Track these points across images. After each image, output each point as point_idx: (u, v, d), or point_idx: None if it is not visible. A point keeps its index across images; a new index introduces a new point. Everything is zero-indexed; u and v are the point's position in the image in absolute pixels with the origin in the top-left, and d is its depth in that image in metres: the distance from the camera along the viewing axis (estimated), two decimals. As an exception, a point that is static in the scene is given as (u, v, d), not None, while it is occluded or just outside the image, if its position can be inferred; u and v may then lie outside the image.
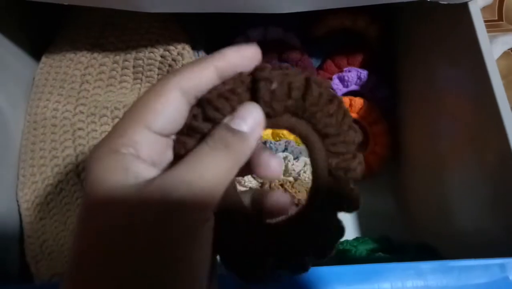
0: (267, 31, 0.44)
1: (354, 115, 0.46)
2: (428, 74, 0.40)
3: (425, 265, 0.24)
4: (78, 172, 0.37)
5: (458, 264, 0.24)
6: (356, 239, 0.42)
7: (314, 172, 0.19)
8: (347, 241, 0.42)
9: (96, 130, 0.39)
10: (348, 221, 0.45)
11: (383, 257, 0.35)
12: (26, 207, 0.37)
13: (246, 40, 0.44)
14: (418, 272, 0.24)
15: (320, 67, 0.48)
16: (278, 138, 0.40)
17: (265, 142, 0.39)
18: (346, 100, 0.45)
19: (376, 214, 0.45)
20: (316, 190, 0.19)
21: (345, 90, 0.47)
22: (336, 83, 0.46)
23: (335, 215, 0.19)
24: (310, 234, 0.19)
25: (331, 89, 0.19)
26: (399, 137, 0.46)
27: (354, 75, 0.45)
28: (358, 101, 0.45)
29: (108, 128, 0.39)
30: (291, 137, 0.40)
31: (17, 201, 0.38)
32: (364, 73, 0.45)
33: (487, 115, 0.31)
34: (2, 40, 0.38)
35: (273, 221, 0.20)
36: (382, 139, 0.45)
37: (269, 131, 0.41)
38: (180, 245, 0.16)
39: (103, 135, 0.39)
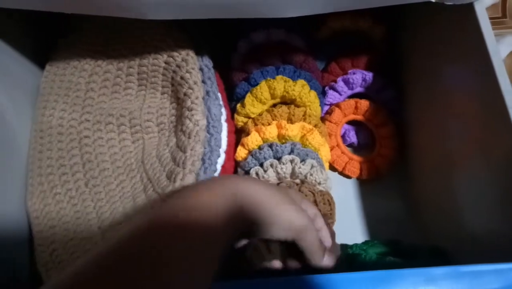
0: (270, 33, 0.44)
1: (360, 117, 0.46)
2: (434, 74, 0.40)
3: (437, 271, 0.24)
4: (86, 181, 0.37)
5: (470, 269, 0.24)
6: (365, 243, 0.42)
7: None
8: (356, 245, 0.41)
9: (102, 138, 0.39)
10: (356, 224, 0.45)
11: (393, 261, 0.35)
12: (35, 216, 0.37)
13: (250, 43, 0.44)
14: (429, 278, 0.24)
15: (324, 70, 0.48)
16: (284, 141, 0.40)
17: (271, 145, 0.39)
18: (352, 102, 0.45)
19: (385, 217, 0.44)
20: None
21: (350, 92, 0.46)
22: (341, 86, 0.46)
23: None
24: None
25: None
26: (406, 139, 0.46)
27: (359, 77, 0.45)
28: (364, 104, 0.45)
29: (114, 135, 0.39)
30: (297, 139, 0.40)
31: (26, 210, 0.38)
32: (369, 75, 0.45)
33: (495, 114, 0.30)
34: (6, 48, 0.38)
35: None
36: (389, 142, 0.45)
37: (275, 133, 0.40)
38: None
39: (109, 142, 0.39)
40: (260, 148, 0.39)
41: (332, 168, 0.46)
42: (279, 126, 0.40)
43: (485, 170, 0.33)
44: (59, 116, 0.39)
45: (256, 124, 0.41)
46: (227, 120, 0.41)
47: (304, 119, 0.41)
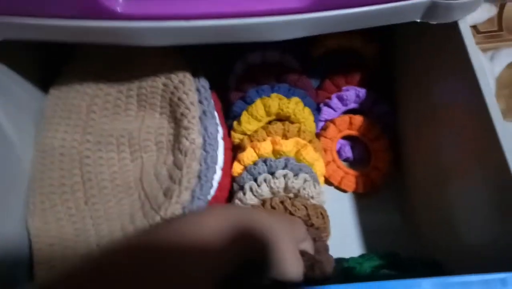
0: (265, 54, 0.45)
1: (354, 132, 0.47)
2: (426, 89, 0.41)
3: (426, 282, 0.24)
4: (86, 199, 0.38)
5: (458, 279, 0.24)
6: (361, 256, 0.42)
7: None
8: (352, 258, 0.42)
9: (102, 158, 0.40)
10: (353, 237, 0.45)
11: (387, 274, 0.35)
12: (36, 234, 0.38)
13: (245, 64, 0.46)
14: (418, 289, 0.24)
15: (319, 87, 0.49)
16: (279, 156, 0.41)
17: (265, 160, 0.40)
18: (346, 118, 0.46)
19: (381, 230, 0.45)
20: None
21: (344, 108, 0.48)
22: (335, 102, 0.47)
23: None
24: None
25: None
26: (400, 152, 0.47)
27: (353, 93, 0.46)
28: (358, 119, 0.46)
29: (114, 155, 0.40)
30: (291, 154, 0.41)
31: (27, 229, 0.39)
32: (362, 92, 0.46)
33: (484, 127, 0.31)
34: (11, 73, 0.40)
35: None
36: (384, 155, 0.46)
37: (269, 149, 0.41)
38: None
39: (109, 162, 0.40)
40: (255, 164, 0.40)
41: (328, 182, 0.46)
42: (273, 142, 0.41)
43: (480, 182, 0.34)
44: (61, 138, 0.40)
45: (251, 141, 0.42)
46: (223, 138, 0.42)
47: (299, 135, 0.42)
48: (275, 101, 0.41)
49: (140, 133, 0.40)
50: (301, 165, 0.39)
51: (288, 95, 0.43)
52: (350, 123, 0.46)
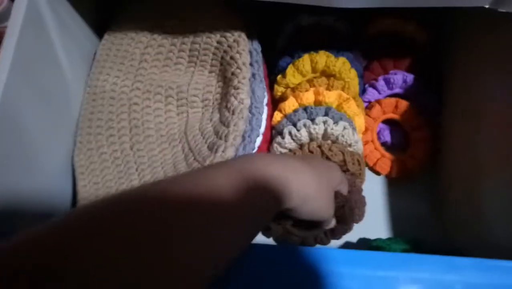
0: (319, 18, 0.44)
1: (397, 117, 0.46)
2: (475, 83, 0.40)
3: (466, 261, 0.25)
4: (132, 144, 0.40)
5: (499, 264, 0.25)
6: (388, 239, 0.43)
7: None
8: (380, 239, 0.42)
9: (149, 107, 0.41)
10: (381, 221, 0.45)
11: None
12: (81, 171, 0.39)
13: (297, 26, 0.45)
14: (453, 266, 0.25)
15: (366, 68, 0.49)
16: (320, 105, 0.41)
17: (306, 108, 0.40)
18: (392, 101, 0.46)
19: (410, 217, 0.45)
20: None
21: (389, 92, 0.47)
22: (381, 85, 0.46)
23: None
24: None
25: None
26: (439, 143, 0.46)
27: (400, 78, 0.46)
28: (404, 104, 0.45)
29: (161, 105, 0.41)
30: (334, 105, 0.41)
31: (72, 166, 0.40)
32: (410, 77, 0.46)
33: None
34: (71, 11, 0.41)
35: None
36: (423, 146, 0.46)
37: (312, 99, 0.41)
38: None
39: (156, 112, 0.41)
40: (295, 111, 0.40)
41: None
42: (316, 93, 0.41)
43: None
44: (113, 82, 0.42)
45: (294, 92, 0.42)
46: (267, 104, 0.42)
47: (342, 91, 0.41)
48: (323, 58, 0.41)
49: (189, 88, 0.41)
50: (341, 114, 0.39)
51: (336, 56, 0.42)
52: (396, 107, 0.46)
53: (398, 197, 0.46)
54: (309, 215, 0.27)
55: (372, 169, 0.47)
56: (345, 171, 0.38)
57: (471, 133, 0.41)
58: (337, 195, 0.30)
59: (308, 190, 0.25)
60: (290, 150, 0.40)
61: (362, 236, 0.45)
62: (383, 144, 0.48)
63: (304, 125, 0.39)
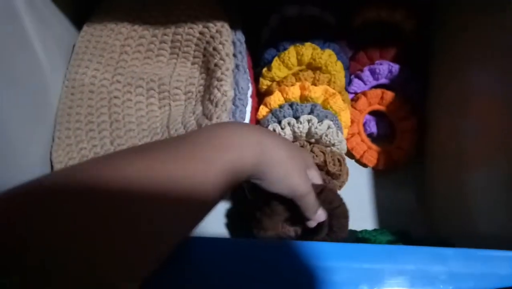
0: (304, 8, 0.44)
1: (383, 108, 0.46)
2: (461, 74, 0.40)
3: (451, 252, 0.25)
4: (112, 139, 0.39)
5: (483, 253, 0.24)
6: (374, 230, 0.42)
7: None
8: (366, 230, 0.42)
9: (131, 100, 0.40)
10: (367, 212, 0.45)
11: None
12: (59, 168, 0.38)
13: (282, 17, 0.44)
14: (439, 257, 0.24)
15: (352, 58, 0.48)
16: (306, 102, 0.40)
17: (291, 104, 0.39)
18: (378, 92, 0.45)
19: (396, 208, 0.45)
20: None
21: (375, 82, 0.47)
22: (366, 75, 0.46)
23: None
24: None
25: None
26: (425, 134, 0.46)
27: (386, 68, 0.46)
28: (390, 95, 0.45)
29: (143, 99, 0.40)
30: (319, 101, 0.40)
31: (51, 162, 0.39)
32: (395, 67, 0.45)
33: None
34: (49, 3, 0.39)
35: None
36: (409, 136, 0.45)
37: (297, 94, 0.41)
38: None
39: (137, 105, 0.40)
40: (280, 107, 0.40)
41: (349, 155, 0.46)
42: (302, 88, 0.40)
43: (498, 172, 0.34)
44: (92, 75, 0.40)
45: (279, 86, 0.41)
46: (252, 96, 0.41)
47: (329, 85, 0.41)
48: (309, 50, 0.40)
49: (171, 80, 0.40)
50: (327, 112, 0.39)
51: (322, 48, 0.42)
52: (382, 98, 0.45)
53: (384, 188, 0.46)
54: (280, 181, 0.27)
55: (359, 161, 0.46)
56: (325, 171, 0.38)
57: (456, 123, 0.40)
58: (313, 184, 0.30)
59: (280, 153, 0.26)
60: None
61: (348, 227, 0.44)
62: (369, 135, 0.48)
63: (289, 123, 0.38)
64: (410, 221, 0.44)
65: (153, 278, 0.20)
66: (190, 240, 0.24)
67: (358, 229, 0.44)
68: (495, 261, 0.24)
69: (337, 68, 0.41)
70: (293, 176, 0.28)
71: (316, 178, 0.32)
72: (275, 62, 0.41)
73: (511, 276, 0.24)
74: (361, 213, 0.45)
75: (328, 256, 0.25)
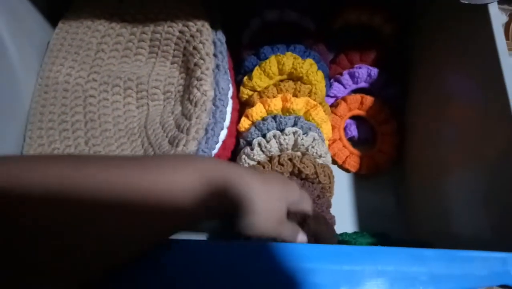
0: (284, 13, 0.43)
1: (363, 113, 0.46)
2: (439, 79, 0.41)
3: (430, 252, 0.24)
4: (87, 139, 0.37)
5: (462, 254, 0.24)
6: (354, 233, 0.42)
7: None
8: (346, 233, 0.42)
9: (107, 99, 0.39)
10: (347, 215, 0.45)
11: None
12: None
13: (262, 21, 0.44)
14: (418, 258, 0.24)
15: (333, 61, 0.48)
16: (288, 114, 0.40)
17: (275, 117, 0.39)
18: (358, 97, 0.45)
19: (376, 211, 0.45)
20: None
21: (354, 86, 0.47)
22: (346, 79, 0.46)
23: None
24: None
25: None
26: (404, 138, 0.46)
27: (365, 72, 0.46)
28: (369, 99, 0.45)
29: (120, 98, 0.39)
30: (301, 113, 0.40)
31: (21, 162, 0.37)
32: (374, 71, 0.46)
33: (497, 128, 0.31)
34: (24, 1, 0.38)
35: None
36: (390, 139, 0.46)
37: (279, 106, 0.40)
38: None
39: (114, 105, 0.39)
40: (263, 119, 0.39)
41: (332, 160, 0.46)
42: (284, 100, 0.40)
43: (473, 176, 0.34)
44: (66, 73, 0.39)
45: (261, 97, 0.41)
46: (232, 98, 0.41)
47: (309, 96, 0.41)
48: (290, 60, 0.40)
49: (149, 80, 0.39)
50: (310, 124, 0.39)
51: (303, 57, 0.42)
52: (361, 103, 0.45)
53: (363, 191, 0.46)
54: (248, 228, 0.24)
55: (342, 167, 0.46)
56: (317, 183, 0.38)
57: (435, 128, 0.41)
58: (295, 213, 0.29)
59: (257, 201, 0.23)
60: (258, 162, 0.38)
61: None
62: (350, 139, 0.48)
63: (274, 136, 0.38)
64: (390, 224, 0.44)
65: (125, 280, 0.19)
66: (168, 243, 0.23)
67: (338, 231, 0.44)
68: (474, 261, 0.24)
69: (318, 78, 0.41)
70: (257, 220, 0.23)
71: (307, 208, 0.29)
72: (256, 72, 0.40)
73: (490, 276, 0.24)
74: (341, 216, 0.45)
75: (308, 257, 0.24)
